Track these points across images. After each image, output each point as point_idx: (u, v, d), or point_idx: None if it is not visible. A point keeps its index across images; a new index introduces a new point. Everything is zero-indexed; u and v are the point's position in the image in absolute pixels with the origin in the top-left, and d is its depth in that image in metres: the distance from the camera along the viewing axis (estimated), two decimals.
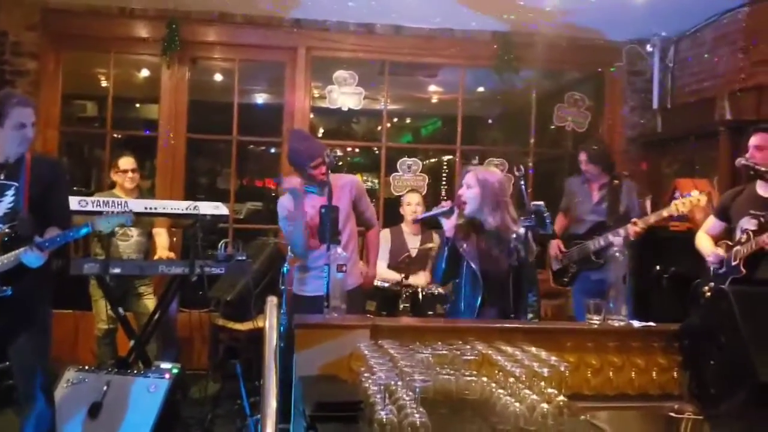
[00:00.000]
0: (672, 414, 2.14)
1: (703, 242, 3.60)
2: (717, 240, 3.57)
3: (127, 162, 4.58)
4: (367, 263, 3.98)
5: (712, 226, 3.66)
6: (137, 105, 8.36)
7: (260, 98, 8.13)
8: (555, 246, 4.57)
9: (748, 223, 3.38)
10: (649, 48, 5.67)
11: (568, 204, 4.69)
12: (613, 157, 4.92)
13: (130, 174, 4.55)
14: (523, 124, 6.00)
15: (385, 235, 4.97)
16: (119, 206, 3.61)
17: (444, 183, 9.20)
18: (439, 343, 2.12)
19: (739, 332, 2.08)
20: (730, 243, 3.45)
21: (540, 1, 4.83)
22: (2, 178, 2.94)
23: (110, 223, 3.06)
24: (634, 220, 4.08)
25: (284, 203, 3.64)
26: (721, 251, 3.43)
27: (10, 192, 2.94)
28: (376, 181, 7.82)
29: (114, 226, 3.11)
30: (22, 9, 5.21)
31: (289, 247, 3.99)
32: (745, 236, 3.34)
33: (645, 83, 5.75)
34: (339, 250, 2.50)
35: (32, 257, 2.86)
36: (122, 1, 5.25)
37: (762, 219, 3.34)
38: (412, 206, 4.99)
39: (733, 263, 3.33)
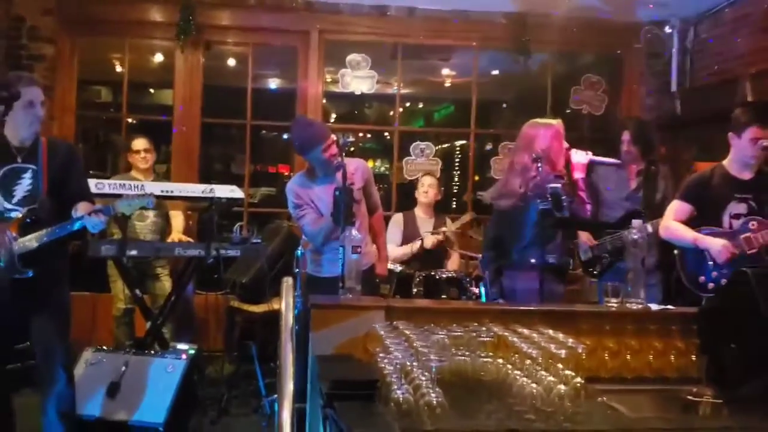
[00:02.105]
0: (690, 397, 2.12)
1: (692, 233, 3.34)
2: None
3: (140, 143, 4.65)
4: (378, 248, 3.91)
5: (681, 210, 3.44)
6: (152, 90, 8.38)
7: (273, 83, 8.12)
8: (585, 234, 4.12)
9: (737, 208, 3.30)
10: (667, 29, 5.59)
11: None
12: (656, 140, 4.43)
13: (142, 154, 4.61)
14: (538, 107, 5.94)
15: (398, 218, 4.96)
16: (135, 189, 3.63)
17: (457, 168, 9.16)
18: (455, 324, 2.12)
19: (759, 315, 2.06)
20: (719, 230, 3.31)
21: None
22: (19, 161, 2.96)
23: (131, 206, 3.07)
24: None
25: (293, 189, 3.60)
26: (728, 244, 3.22)
27: (28, 175, 2.96)
28: (387, 166, 7.80)
29: (135, 208, 3.13)
30: None
31: (302, 232, 4.00)
32: (756, 223, 3.25)
33: (663, 65, 5.68)
34: (354, 231, 2.49)
35: (97, 222, 2.88)
36: None
37: (751, 202, 3.28)
38: (425, 187, 4.98)
39: (750, 251, 3.25)
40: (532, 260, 3.17)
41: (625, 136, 4.06)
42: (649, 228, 3.66)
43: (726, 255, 3.22)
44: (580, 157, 3.28)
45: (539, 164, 3.11)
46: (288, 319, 2.31)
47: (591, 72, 5.92)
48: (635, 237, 3.85)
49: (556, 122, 3.37)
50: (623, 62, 5.86)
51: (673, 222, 3.45)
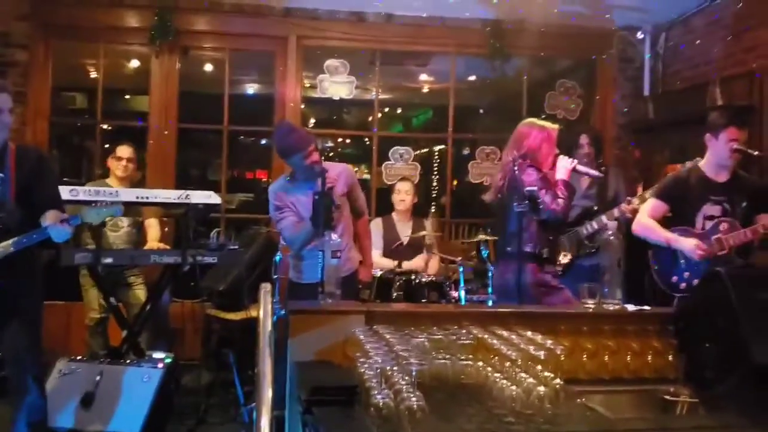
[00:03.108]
0: (667, 397, 2.14)
1: (665, 232, 3.44)
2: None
3: (125, 150, 4.57)
4: (362, 253, 3.93)
5: (655, 208, 3.53)
6: (127, 97, 8.29)
7: (251, 89, 8.08)
8: None
9: (711, 210, 3.36)
10: (639, 35, 5.67)
11: None
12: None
13: (124, 162, 4.53)
14: (514, 112, 5.99)
15: (377, 224, 4.96)
16: (110, 195, 3.57)
17: (435, 173, 9.18)
18: (435, 328, 2.11)
19: (734, 314, 2.09)
20: (692, 230, 3.39)
21: None
22: None
23: (99, 215, 3.02)
24: (628, 198, 4.02)
25: (275, 191, 3.60)
26: (701, 243, 3.31)
27: None
28: (366, 172, 7.81)
29: (103, 217, 3.08)
30: None
31: (281, 237, 3.97)
32: (726, 225, 3.31)
33: (635, 70, 5.76)
34: (333, 236, 2.48)
35: (62, 231, 2.82)
36: None
37: (725, 204, 3.34)
38: (401, 194, 4.98)
39: (721, 252, 3.31)
40: (509, 248, 3.23)
41: (584, 139, 4.40)
42: (604, 219, 4.00)
43: (699, 253, 3.28)
44: (566, 162, 3.34)
45: (518, 162, 3.15)
46: (266, 325, 2.29)
47: (566, 77, 5.99)
48: (589, 232, 4.12)
49: (551, 127, 3.43)
50: (597, 68, 5.93)
51: (648, 219, 3.53)
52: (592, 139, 4.47)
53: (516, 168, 3.17)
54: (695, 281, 3.27)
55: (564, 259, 4.39)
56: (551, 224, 3.28)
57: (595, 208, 4.29)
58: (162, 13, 5.24)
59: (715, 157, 3.41)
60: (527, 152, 3.30)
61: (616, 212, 4.02)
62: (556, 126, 3.48)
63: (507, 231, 3.38)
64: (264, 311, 2.36)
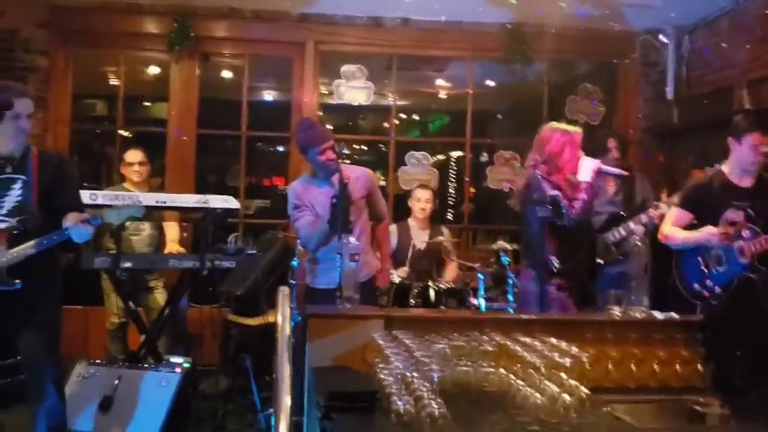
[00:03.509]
0: (696, 407, 2.08)
1: (685, 233, 3.40)
2: None
3: (134, 155, 4.56)
4: (381, 258, 3.91)
5: (680, 217, 3.49)
6: (147, 104, 8.35)
7: (269, 95, 8.10)
8: None
9: (734, 216, 3.29)
10: (663, 38, 5.59)
11: None
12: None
13: (136, 167, 4.53)
14: (534, 116, 5.92)
15: (392, 229, 4.91)
16: (130, 199, 3.58)
17: (452, 179, 9.13)
18: (455, 334, 2.07)
19: (765, 321, 2.02)
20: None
21: None
22: (9, 171, 2.92)
23: (120, 216, 3.02)
24: (655, 203, 3.96)
25: (295, 189, 3.59)
26: (714, 229, 3.26)
27: (17, 185, 2.91)
28: (383, 178, 7.80)
29: (124, 218, 3.08)
30: (32, 6, 5.20)
31: (298, 241, 3.95)
32: (748, 231, 3.23)
33: (659, 74, 5.67)
34: (351, 239, 2.45)
35: (83, 231, 2.82)
36: None
37: (749, 210, 3.27)
38: (421, 203, 4.93)
39: (743, 259, 3.24)
40: (532, 261, 3.19)
41: (612, 143, 4.44)
42: (632, 225, 3.95)
43: (721, 238, 3.24)
44: (590, 163, 3.30)
45: (539, 167, 3.11)
46: (285, 329, 2.26)
47: (587, 81, 5.91)
48: (616, 238, 4.05)
49: (574, 130, 3.40)
50: (619, 71, 5.85)
51: (671, 227, 3.50)
52: (620, 143, 4.47)
53: (538, 172, 3.13)
54: (717, 289, 3.24)
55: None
56: (571, 233, 3.23)
57: (623, 213, 4.22)
58: (181, 19, 5.26)
59: (738, 162, 3.36)
60: (549, 156, 3.26)
61: (644, 218, 3.96)
62: (579, 129, 3.43)
63: (526, 237, 3.34)
64: (282, 315, 2.33)
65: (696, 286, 3.34)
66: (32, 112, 2.95)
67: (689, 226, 3.47)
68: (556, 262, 3.13)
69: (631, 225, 4.00)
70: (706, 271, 3.33)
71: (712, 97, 5.16)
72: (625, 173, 3.76)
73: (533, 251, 3.24)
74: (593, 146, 4.38)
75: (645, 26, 5.56)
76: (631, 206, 4.25)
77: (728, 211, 3.31)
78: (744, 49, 4.82)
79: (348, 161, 9.29)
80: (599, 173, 3.34)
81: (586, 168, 3.29)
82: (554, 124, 3.49)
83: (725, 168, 3.42)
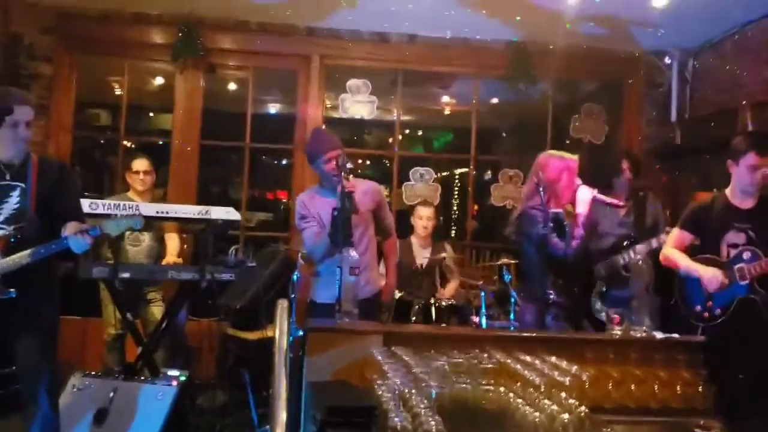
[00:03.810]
0: (698, 430, 2.05)
1: (686, 261, 3.36)
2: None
3: (140, 163, 4.56)
4: (387, 273, 3.87)
5: (680, 239, 3.46)
6: (151, 114, 8.38)
7: (273, 108, 8.12)
8: None
9: (735, 238, 3.27)
10: (667, 60, 5.61)
11: None
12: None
13: (141, 176, 4.52)
14: (538, 135, 5.93)
15: None
16: (130, 209, 3.56)
17: (456, 196, 9.14)
18: (455, 351, 2.05)
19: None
20: (717, 258, 3.29)
21: (557, 11, 4.77)
22: (8, 178, 2.91)
23: (119, 227, 3.00)
24: (667, 229, 3.85)
25: (302, 199, 3.59)
26: (719, 273, 3.22)
27: (16, 193, 2.90)
28: (387, 194, 7.81)
29: (123, 229, 3.05)
30: (37, 12, 5.19)
31: (299, 254, 3.93)
32: (749, 253, 3.22)
33: (663, 95, 5.68)
34: (351, 252, 2.43)
35: (81, 241, 2.79)
36: (137, 6, 5.24)
37: (750, 232, 3.25)
38: (423, 221, 4.91)
39: (742, 282, 3.21)
40: (529, 293, 3.18)
41: (625, 164, 4.34)
42: (643, 249, 3.90)
43: (716, 284, 3.21)
44: (586, 193, 3.29)
45: (542, 192, 3.10)
46: (282, 343, 2.24)
47: (591, 101, 5.92)
48: (626, 261, 4.01)
49: (571, 157, 3.41)
50: (623, 92, 5.86)
51: (671, 249, 3.47)
52: (633, 164, 4.39)
53: (530, 204, 3.14)
54: (718, 311, 3.21)
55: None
56: (567, 264, 3.22)
57: (633, 236, 4.14)
58: (186, 29, 5.27)
59: (738, 184, 3.34)
60: (547, 183, 3.26)
61: (654, 242, 3.89)
62: (575, 157, 3.46)
63: (523, 268, 3.33)
64: (279, 329, 2.31)
65: (698, 307, 3.31)
66: (32, 119, 2.93)
67: (690, 247, 3.45)
68: (553, 294, 3.12)
69: (641, 248, 3.95)
70: (706, 292, 3.31)
71: (715, 119, 5.16)
72: (620, 203, 3.74)
73: (530, 283, 3.23)
74: (604, 167, 4.38)
75: (650, 47, 5.57)
76: (641, 229, 4.17)
77: (729, 233, 3.30)
78: (748, 71, 4.83)
79: (351, 175, 9.31)
80: (594, 203, 3.33)
81: (582, 198, 3.28)
82: (551, 152, 3.50)
83: (727, 190, 3.41)
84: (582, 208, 3.30)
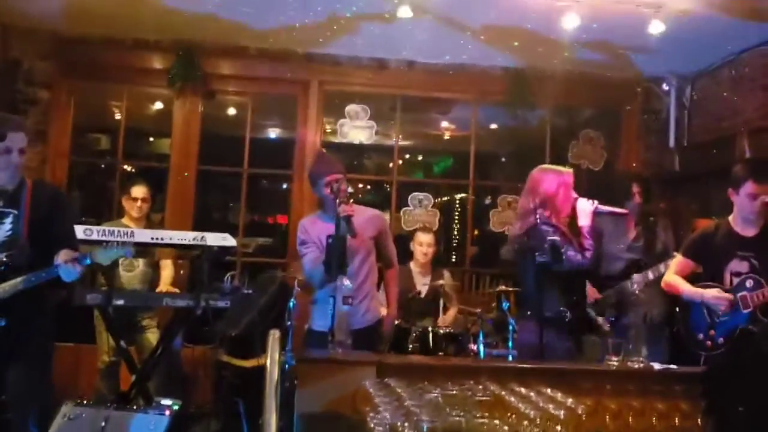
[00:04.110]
0: None
1: (688, 286, 3.35)
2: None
3: (139, 190, 4.56)
4: (387, 303, 3.83)
5: (683, 266, 3.45)
6: (150, 139, 8.39)
7: (272, 133, 8.13)
8: (589, 288, 4.00)
9: (738, 266, 3.25)
10: (665, 86, 5.63)
11: None
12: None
13: (139, 203, 4.51)
14: (537, 160, 5.91)
15: None
16: (125, 236, 3.54)
17: (456, 221, 9.10)
18: (449, 383, 2.01)
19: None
20: (718, 286, 3.26)
21: (555, 38, 4.79)
22: (0, 205, 2.89)
23: (109, 256, 2.97)
24: (675, 254, 3.74)
25: (303, 224, 3.57)
26: (723, 292, 3.20)
27: (8, 220, 2.89)
28: (386, 218, 7.79)
29: (114, 257, 3.03)
30: (36, 38, 5.20)
31: (296, 281, 3.90)
32: (752, 281, 3.19)
33: (661, 122, 5.69)
34: (345, 281, 2.40)
35: (71, 270, 2.78)
36: (136, 32, 5.26)
37: (753, 260, 3.22)
38: (423, 247, 4.88)
39: (745, 310, 3.17)
40: (529, 312, 3.12)
41: (635, 188, 4.25)
42: (651, 275, 3.81)
43: (724, 302, 3.18)
44: (586, 205, 3.27)
45: (539, 210, 3.08)
46: (273, 374, 2.20)
47: (589, 127, 5.93)
48: (636, 287, 3.93)
49: (566, 171, 3.39)
50: (621, 118, 5.87)
51: (674, 276, 3.45)
52: (643, 189, 4.32)
53: (538, 217, 3.10)
54: (721, 339, 3.17)
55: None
56: (575, 278, 3.17)
57: (643, 261, 4.06)
58: (183, 55, 5.28)
59: (740, 212, 3.33)
60: (545, 198, 3.24)
61: (662, 267, 3.80)
62: (570, 170, 3.44)
63: (525, 287, 3.29)
64: (270, 359, 2.27)
65: (700, 335, 3.27)
66: (26, 146, 2.92)
67: (692, 274, 3.42)
68: (553, 310, 3.07)
69: (650, 275, 3.87)
70: (709, 320, 3.28)
71: (713, 145, 5.16)
72: (623, 211, 3.70)
73: (530, 300, 3.18)
74: (619, 191, 4.32)
75: (648, 74, 5.59)
76: (651, 253, 4.10)
77: (732, 262, 3.27)
78: (746, 98, 4.84)
79: (352, 200, 9.30)
80: (596, 214, 3.31)
81: (583, 210, 3.26)
82: (544, 166, 3.48)
83: (730, 217, 3.40)
84: (584, 219, 3.28)
